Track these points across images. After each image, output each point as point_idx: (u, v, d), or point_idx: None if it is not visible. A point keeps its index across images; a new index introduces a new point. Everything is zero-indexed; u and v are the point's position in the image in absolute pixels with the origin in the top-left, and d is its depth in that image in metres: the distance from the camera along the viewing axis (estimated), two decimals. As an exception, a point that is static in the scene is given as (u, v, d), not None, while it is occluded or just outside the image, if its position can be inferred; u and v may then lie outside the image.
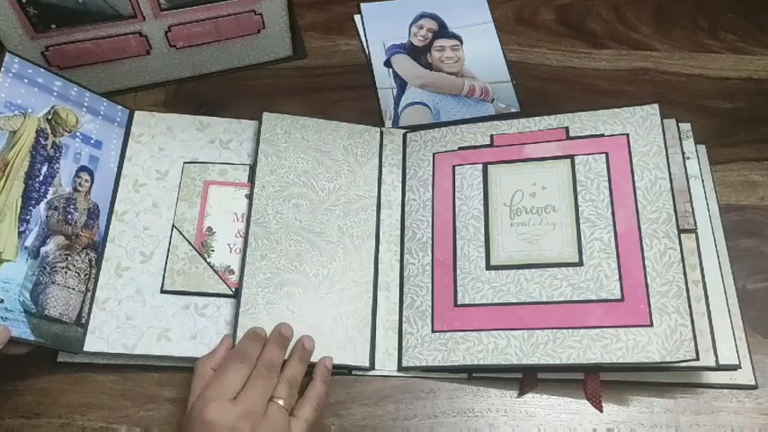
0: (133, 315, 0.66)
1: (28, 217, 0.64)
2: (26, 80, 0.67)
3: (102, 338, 0.64)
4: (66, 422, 0.64)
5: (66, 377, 0.65)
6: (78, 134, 0.69)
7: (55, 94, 0.69)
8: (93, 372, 0.66)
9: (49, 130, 0.67)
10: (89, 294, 0.66)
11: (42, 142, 0.66)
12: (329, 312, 0.66)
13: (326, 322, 0.66)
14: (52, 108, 0.68)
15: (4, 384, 0.65)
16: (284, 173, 0.71)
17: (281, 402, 0.58)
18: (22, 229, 0.63)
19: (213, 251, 0.69)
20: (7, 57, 0.66)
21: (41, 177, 0.65)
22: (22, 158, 0.65)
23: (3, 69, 0.65)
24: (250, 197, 0.70)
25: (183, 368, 0.65)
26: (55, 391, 0.65)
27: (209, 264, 0.68)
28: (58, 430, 0.63)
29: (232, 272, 0.68)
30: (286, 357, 0.63)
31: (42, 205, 0.65)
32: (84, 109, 0.71)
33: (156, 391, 0.65)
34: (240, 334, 0.64)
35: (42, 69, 0.68)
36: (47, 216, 0.65)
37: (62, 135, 0.68)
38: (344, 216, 0.70)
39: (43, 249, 0.64)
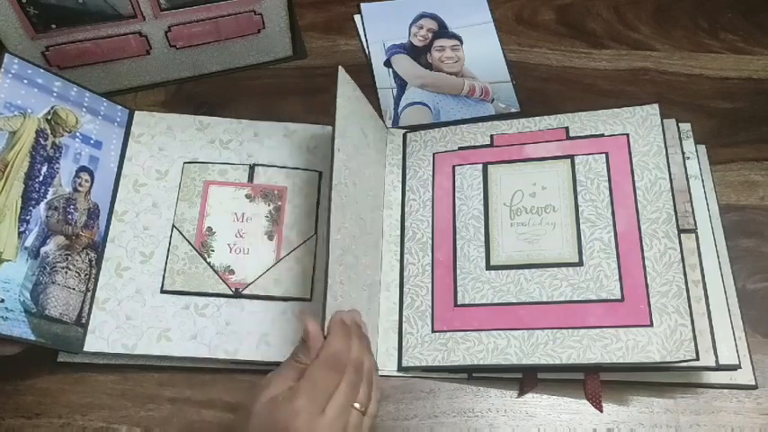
0: (133, 315, 0.66)
1: (28, 217, 0.64)
2: (26, 81, 0.67)
3: (102, 338, 0.64)
4: (66, 422, 0.64)
5: (67, 377, 0.65)
6: (78, 134, 0.69)
7: (55, 94, 0.69)
8: (94, 372, 0.66)
9: (48, 131, 0.67)
10: (89, 294, 0.66)
11: (42, 142, 0.66)
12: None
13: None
14: (52, 108, 0.68)
15: (5, 384, 0.65)
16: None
17: (359, 407, 0.53)
18: (22, 229, 0.63)
19: (213, 251, 0.69)
20: (7, 57, 0.66)
21: (41, 178, 0.65)
22: (22, 159, 0.65)
23: (2, 70, 0.65)
24: (331, 161, 0.62)
25: (183, 368, 0.65)
26: (55, 391, 0.65)
27: (209, 264, 0.68)
28: (59, 430, 0.63)
29: (232, 272, 0.68)
30: None
31: (42, 205, 0.65)
32: (84, 109, 0.71)
33: (157, 391, 0.65)
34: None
35: (42, 70, 0.68)
36: (47, 216, 0.65)
37: (62, 135, 0.68)
38: (371, 212, 0.69)
39: (43, 249, 0.64)
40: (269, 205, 0.71)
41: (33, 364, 0.65)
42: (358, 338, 0.55)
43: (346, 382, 0.52)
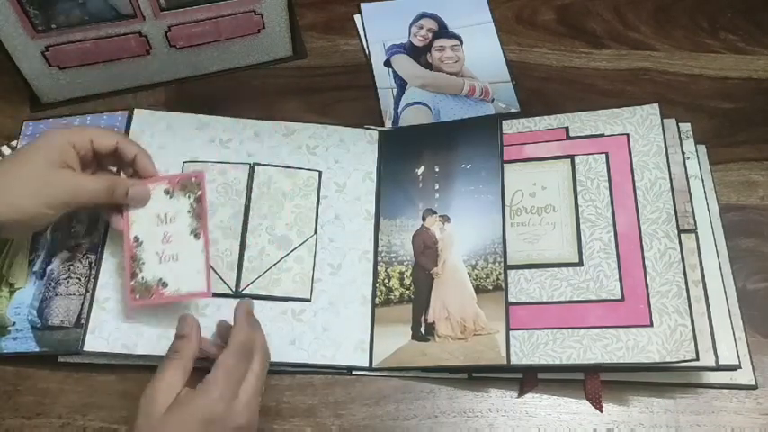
0: (133, 315, 0.65)
1: (37, 246, 0.69)
2: (37, 135, 0.73)
3: (102, 338, 0.64)
4: (66, 422, 0.64)
5: (67, 377, 0.65)
6: None
7: None
8: (94, 372, 0.65)
9: None
10: (88, 295, 0.66)
11: None
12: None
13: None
14: None
15: (4, 384, 0.65)
16: None
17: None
18: (31, 257, 0.68)
19: (144, 263, 0.63)
20: (23, 126, 0.75)
21: None
22: None
23: (20, 137, 0.74)
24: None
25: (184, 368, 0.65)
26: (55, 391, 0.65)
27: (140, 280, 0.63)
28: (59, 430, 0.63)
29: (165, 285, 0.62)
30: None
31: (48, 231, 0.69)
32: None
33: (157, 391, 0.65)
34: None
35: (50, 120, 0.75)
36: (52, 239, 0.69)
37: None
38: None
39: (48, 268, 0.68)
40: (189, 198, 0.64)
41: (33, 364, 0.65)
42: (256, 325, 0.60)
43: (258, 365, 0.56)
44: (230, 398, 0.54)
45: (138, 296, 0.63)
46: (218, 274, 0.68)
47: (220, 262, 0.68)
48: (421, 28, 0.86)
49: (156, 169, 0.65)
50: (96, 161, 0.64)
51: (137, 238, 0.63)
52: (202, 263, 0.62)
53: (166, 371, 0.55)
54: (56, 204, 0.59)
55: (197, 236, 0.63)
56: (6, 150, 0.74)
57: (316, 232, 0.70)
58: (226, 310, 0.66)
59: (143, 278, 0.63)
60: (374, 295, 0.69)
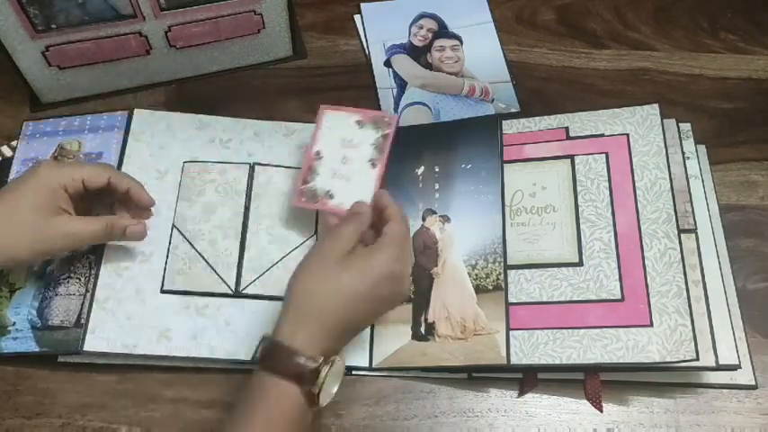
0: (133, 315, 0.66)
1: None
2: (37, 135, 0.75)
3: (102, 338, 0.64)
4: (66, 422, 0.64)
5: (67, 377, 0.65)
6: (81, 156, 0.73)
7: (60, 133, 0.75)
8: (94, 372, 0.66)
9: None
10: (88, 295, 0.66)
11: None
12: None
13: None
14: (58, 146, 0.73)
15: (4, 384, 0.65)
16: None
17: None
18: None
19: (318, 175, 0.68)
20: (24, 126, 0.75)
21: None
22: None
23: (20, 137, 0.74)
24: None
25: (184, 368, 0.65)
26: (55, 391, 0.65)
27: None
28: (59, 430, 0.63)
29: (331, 196, 0.67)
30: None
31: None
32: (86, 131, 0.75)
33: (157, 391, 0.65)
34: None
35: (51, 119, 0.76)
36: None
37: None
38: None
39: (48, 268, 0.68)
40: (377, 132, 0.69)
41: (33, 364, 0.65)
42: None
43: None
44: (404, 260, 0.58)
45: (304, 199, 0.67)
46: (218, 274, 0.68)
47: (220, 262, 0.68)
48: (421, 28, 0.86)
49: (152, 198, 0.66)
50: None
51: (318, 153, 0.69)
52: (371, 189, 0.66)
53: (348, 226, 0.59)
54: (53, 251, 0.63)
55: (373, 165, 0.68)
56: (6, 150, 0.74)
57: (315, 232, 0.70)
58: (225, 310, 0.66)
59: (313, 186, 0.67)
60: (374, 295, 0.69)
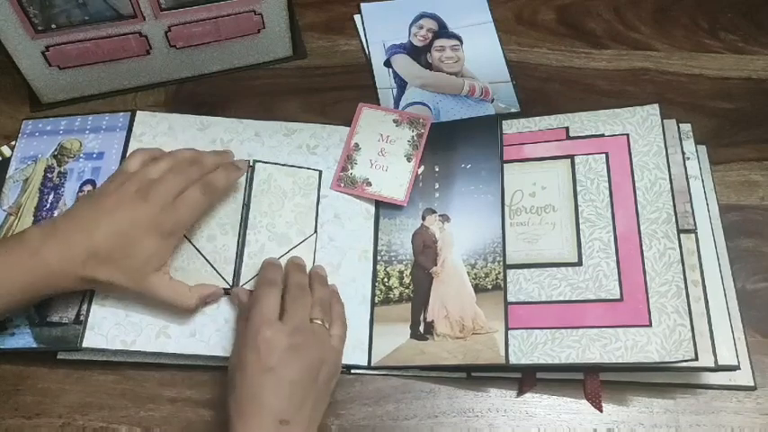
0: (132, 311, 0.66)
1: None
2: (37, 133, 0.75)
3: (101, 335, 0.64)
4: (66, 422, 0.64)
5: (67, 377, 0.65)
6: (82, 156, 0.73)
7: (61, 132, 0.74)
8: (94, 371, 0.66)
9: (55, 164, 0.72)
10: (87, 291, 0.66)
11: (49, 176, 0.72)
12: None
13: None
14: (58, 145, 0.73)
15: (4, 384, 0.65)
16: None
17: (319, 321, 0.60)
18: None
19: (356, 164, 0.73)
20: (23, 124, 0.75)
21: (48, 205, 0.70)
22: (33, 196, 0.70)
23: (20, 135, 0.74)
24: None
25: (184, 368, 0.65)
26: (55, 390, 0.65)
27: (349, 174, 0.72)
28: (58, 430, 0.63)
29: (369, 183, 0.72)
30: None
31: None
32: (87, 131, 0.75)
33: (157, 390, 0.65)
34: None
35: (51, 118, 0.75)
36: None
37: (67, 162, 0.72)
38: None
39: None
40: (413, 131, 0.75)
41: (33, 364, 0.65)
42: (297, 269, 0.65)
43: (292, 296, 0.61)
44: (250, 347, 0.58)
45: (342, 185, 0.72)
46: (217, 271, 0.68)
47: (218, 257, 0.68)
48: (421, 28, 0.86)
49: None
50: None
51: (357, 145, 0.74)
52: (407, 180, 0.72)
53: (270, 298, 0.60)
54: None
55: (409, 159, 0.73)
56: (6, 150, 0.74)
57: (315, 231, 0.70)
58: (224, 307, 0.66)
59: (351, 173, 0.73)
60: (373, 294, 0.69)
